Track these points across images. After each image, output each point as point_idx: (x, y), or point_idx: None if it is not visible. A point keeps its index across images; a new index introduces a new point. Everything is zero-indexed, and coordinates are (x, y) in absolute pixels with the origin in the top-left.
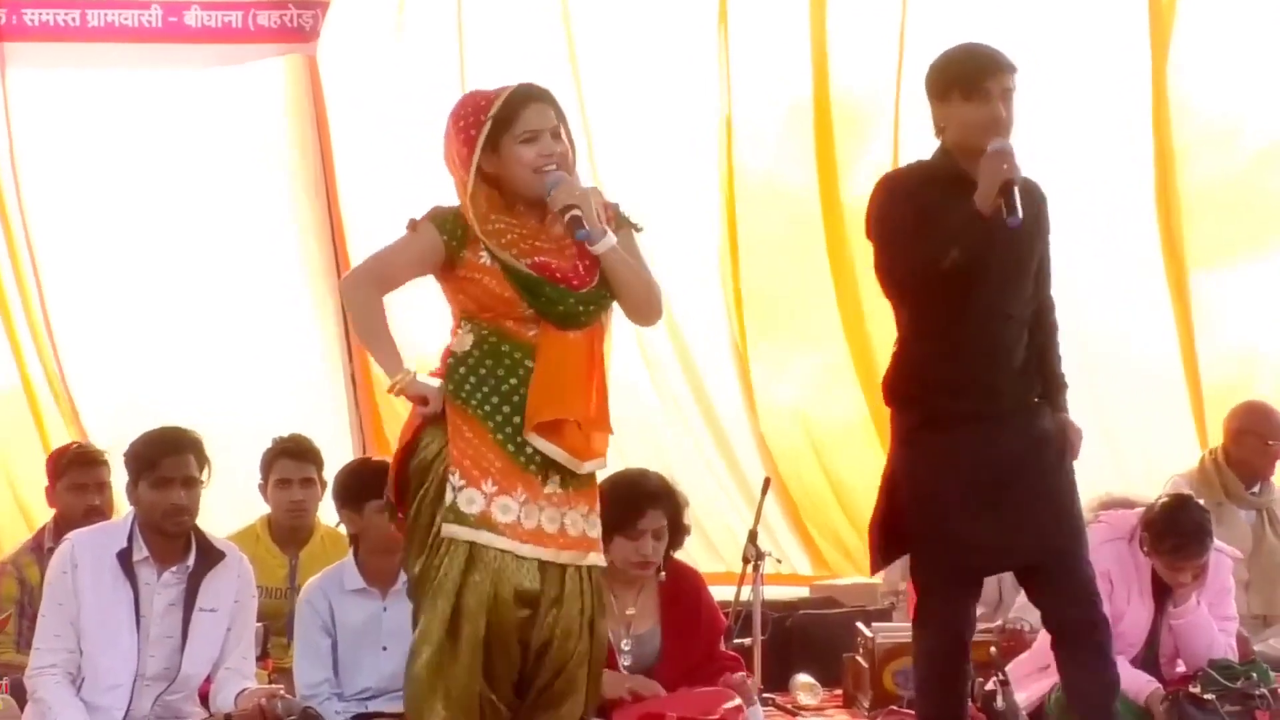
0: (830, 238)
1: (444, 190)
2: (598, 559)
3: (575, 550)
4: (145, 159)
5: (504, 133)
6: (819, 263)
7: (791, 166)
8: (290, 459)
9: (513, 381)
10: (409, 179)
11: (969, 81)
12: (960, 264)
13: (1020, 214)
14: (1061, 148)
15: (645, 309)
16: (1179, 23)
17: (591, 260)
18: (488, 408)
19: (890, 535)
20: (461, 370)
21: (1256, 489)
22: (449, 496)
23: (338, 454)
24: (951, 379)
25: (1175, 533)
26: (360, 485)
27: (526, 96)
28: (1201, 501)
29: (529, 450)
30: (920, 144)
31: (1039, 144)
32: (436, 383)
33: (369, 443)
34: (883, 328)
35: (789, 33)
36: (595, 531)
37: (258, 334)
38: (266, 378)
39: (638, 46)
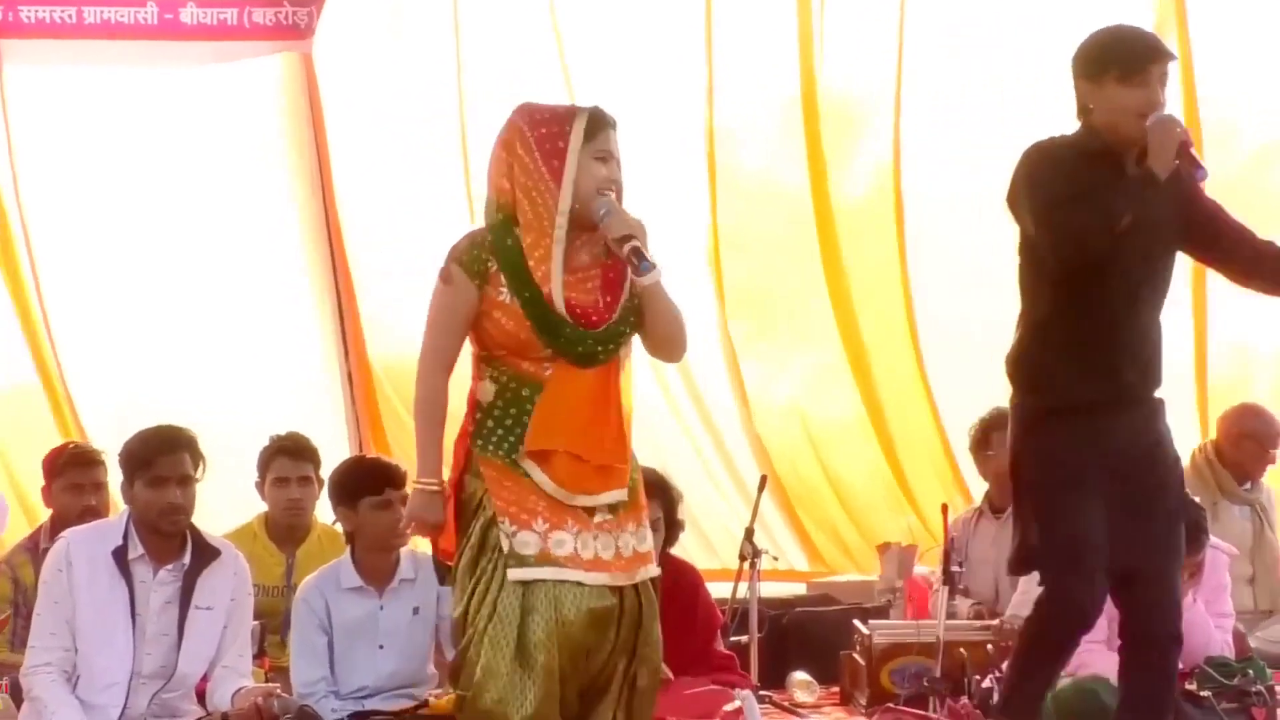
0: (822, 237)
1: (439, 187)
2: (647, 572)
3: (629, 571)
4: (142, 156)
5: (581, 146)
6: (814, 262)
7: (788, 166)
8: (288, 457)
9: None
10: (405, 176)
11: (1129, 64)
12: (1131, 228)
13: (1206, 170)
14: None
15: (673, 346)
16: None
17: (613, 296)
18: (515, 456)
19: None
20: (489, 424)
21: (1248, 485)
22: (505, 544)
23: (334, 452)
24: (1082, 364)
25: None
26: (356, 483)
27: (606, 119)
28: (1197, 499)
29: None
30: (922, 140)
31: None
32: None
33: (365, 440)
34: (875, 327)
35: (780, 30)
36: (645, 545)
37: (254, 332)
38: (263, 376)
39: (628, 45)
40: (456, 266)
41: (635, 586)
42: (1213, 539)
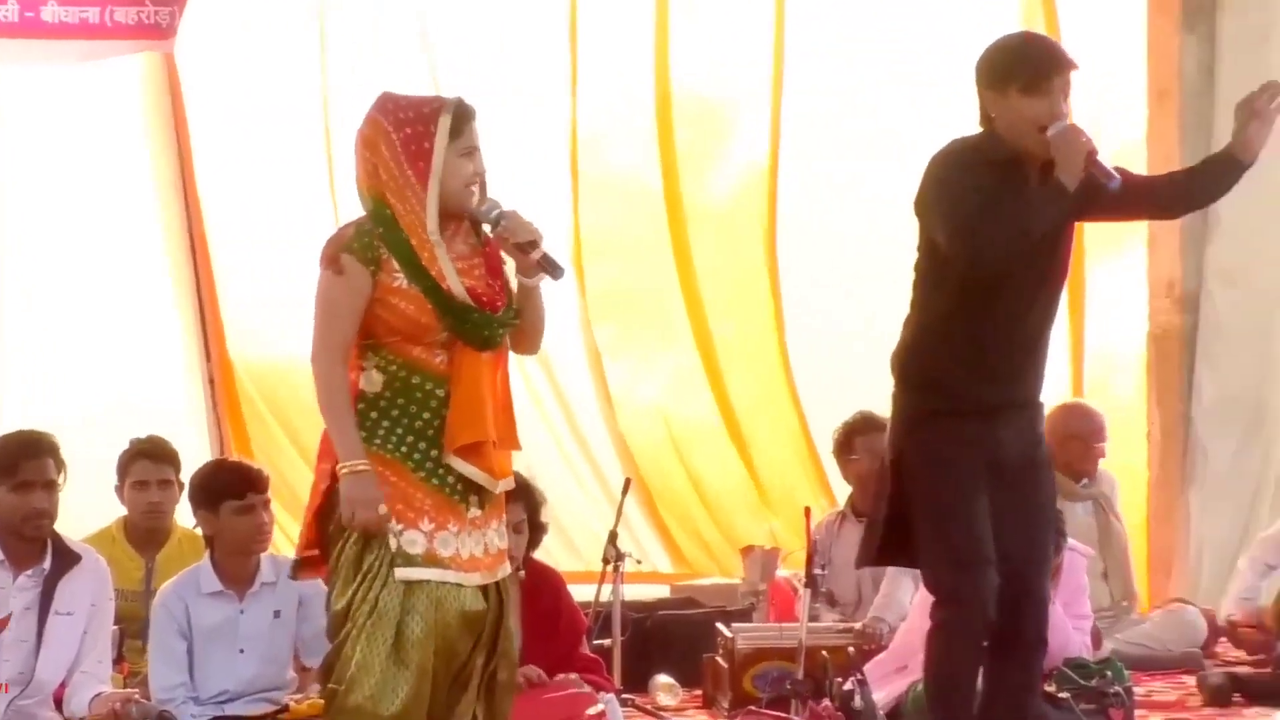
0: (679, 239)
1: (302, 187)
2: (505, 569)
3: (493, 569)
4: (1, 155)
5: (446, 145)
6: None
7: (655, 168)
8: (148, 460)
9: (426, 416)
10: (268, 176)
11: (1032, 76)
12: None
13: (1118, 176)
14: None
15: (538, 341)
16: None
17: (500, 281)
18: (404, 448)
19: (897, 530)
20: (374, 415)
21: (1085, 482)
22: (392, 543)
23: (195, 455)
24: (977, 368)
25: None
26: (217, 486)
27: (469, 111)
28: None
29: (451, 480)
30: (794, 142)
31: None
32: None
33: (226, 444)
34: (741, 329)
35: (648, 32)
36: (504, 542)
37: (115, 334)
38: (123, 378)
39: (494, 45)
40: (348, 255)
41: (496, 584)
42: (1070, 540)
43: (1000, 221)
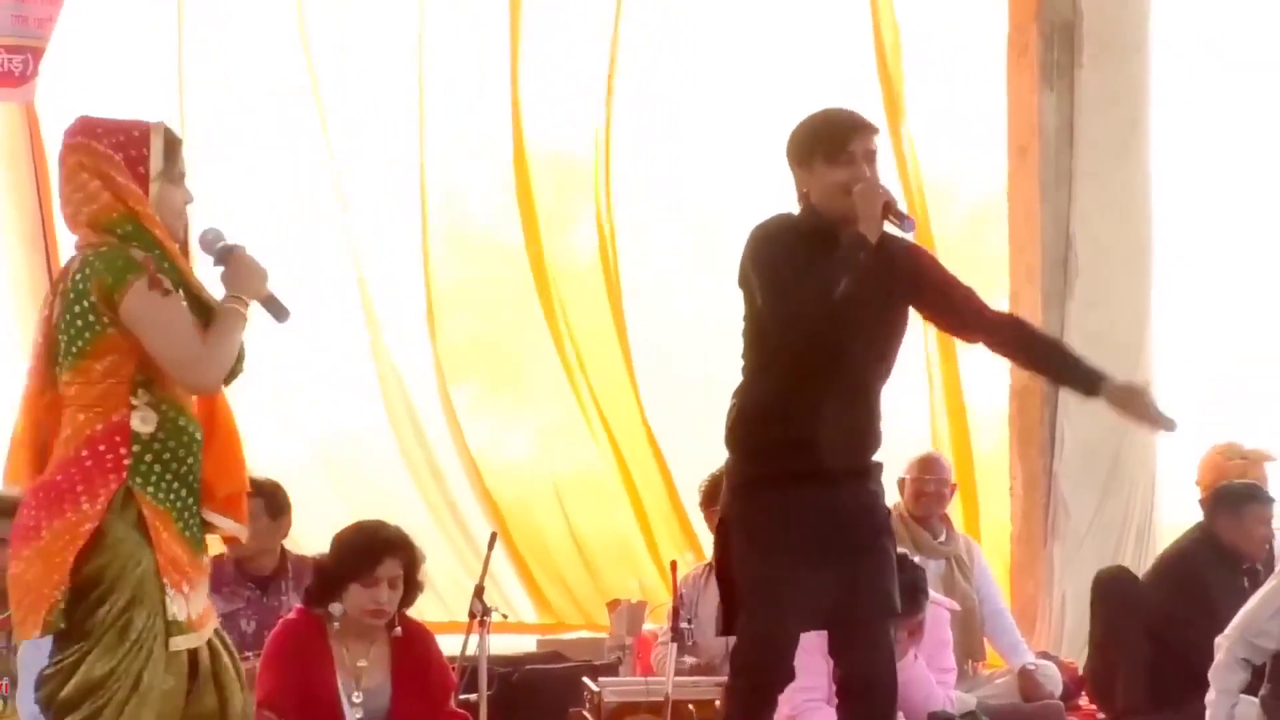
0: (542, 295)
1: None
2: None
3: (210, 621)
4: None
5: (161, 167)
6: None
7: (511, 223)
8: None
9: (190, 461)
10: None
11: (832, 144)
12: (849, 294)
13: (913, 219)
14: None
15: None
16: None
17: None
18: (171, 496)
19: (733, 595)
20: (148, 458)
21: (943, 538)
22: (170, 609)
23: None
24: (808, 434)
25: None
26: None
27: (177, 137)
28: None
29: (196, 528)
30: (630, 200)
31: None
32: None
33: None
34: (602, 384)
35: (501, 89)
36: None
37: None
38: None
39: (344, 97)
40: (164, 276)
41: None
42: (933, 595)
43: (810, 282)
